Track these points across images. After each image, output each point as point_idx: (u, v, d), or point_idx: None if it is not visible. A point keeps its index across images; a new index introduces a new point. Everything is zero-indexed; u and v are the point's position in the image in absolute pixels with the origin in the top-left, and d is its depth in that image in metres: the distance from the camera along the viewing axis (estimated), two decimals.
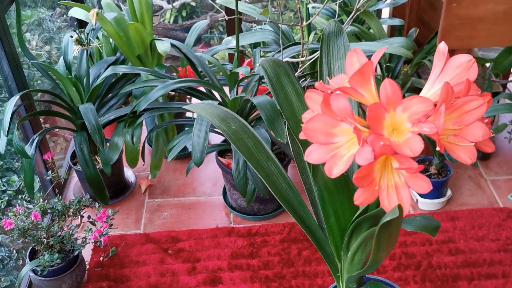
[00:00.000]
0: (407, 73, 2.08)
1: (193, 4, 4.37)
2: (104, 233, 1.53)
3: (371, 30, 2.19)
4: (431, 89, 0.63)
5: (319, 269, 1.68)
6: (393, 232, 0.68)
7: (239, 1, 1.64)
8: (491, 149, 0.65)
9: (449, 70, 0.62)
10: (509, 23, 1.77)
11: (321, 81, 0.68)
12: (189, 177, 2.08)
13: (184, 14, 4.48)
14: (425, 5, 2.28)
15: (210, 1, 1.74)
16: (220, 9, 1.76)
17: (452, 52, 1.97)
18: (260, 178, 1.64)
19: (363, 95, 0.62)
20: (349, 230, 0.78)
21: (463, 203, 1.92)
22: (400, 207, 0.61)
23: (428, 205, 1.89)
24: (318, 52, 1.64)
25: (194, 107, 0.83)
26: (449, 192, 1.91)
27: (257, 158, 0.78)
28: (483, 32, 1.77)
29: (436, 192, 1.87)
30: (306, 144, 0.78)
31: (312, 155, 0.63)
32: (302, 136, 0.64)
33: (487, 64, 2.16)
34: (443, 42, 0.61)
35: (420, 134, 0.57)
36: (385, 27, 2.29)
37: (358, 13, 1.59)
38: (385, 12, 2.43)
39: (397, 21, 2.10)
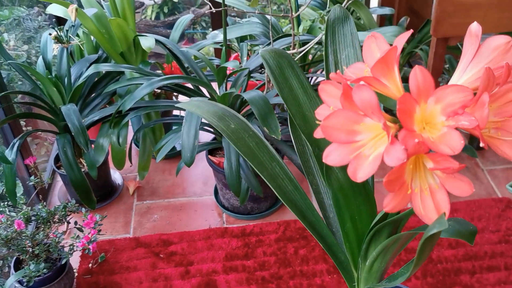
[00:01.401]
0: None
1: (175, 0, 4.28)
2: (92, 240, 1.46)
3: (360, 20, 2.14)
4: (462, 76, 0.57)
5: (317, 268, 1.62)
6: (434, 243, 0.62)
7: None
8: None
9: (484, 54, 0.55)
10: (503, 9, 1.73)
11: (338, 71, 0.62)
12: (179, 177, 2.01)
13: (166, 10, 4.38)
14: None
15: None
16: (203, 4, 1.69)
17: (445, 40, 1.91)
18: (254, 176, 1.58)
19: (387, 86, 0.56)
20: (368, 237, 0.71)
21: None
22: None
23: None
24: (309, 44, 1.58)
25: (188, 105, 0.77)
26: None
27: (260, 159, 0.71)
28: (477, 19, 1.72)
29: None
30: (316, 142, 0.72)
31: (331, 156, 0.56)
32: (318, 134, 0.58)
33: None
34: (475, 23, 0.55)
35: (457, 129, 0.51)
36: (374, 16, 2.23)
37: (350, 2, 1.53)
38: (374, 1, 2.38)
39: (387, 10, 2.05)
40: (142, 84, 1.57)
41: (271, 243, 1.71)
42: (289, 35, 1.66)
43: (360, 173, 0.54)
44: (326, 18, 1.50)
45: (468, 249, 1.66)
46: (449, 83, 0.58)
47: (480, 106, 0.50)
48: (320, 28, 1.59)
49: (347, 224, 0.73)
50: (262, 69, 1.91)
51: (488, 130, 0.55)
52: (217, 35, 1.79)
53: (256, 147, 0.72)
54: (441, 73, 1.88)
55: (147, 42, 1.65)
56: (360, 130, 0.54)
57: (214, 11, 1.40)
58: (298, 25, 1.77)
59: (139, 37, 1.70)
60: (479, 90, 0.51)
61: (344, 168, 0.57)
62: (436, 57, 1.80)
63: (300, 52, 1.57)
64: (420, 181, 0.57)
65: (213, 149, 1.79)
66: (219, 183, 1.78)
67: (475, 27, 0.55)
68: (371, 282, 0.77)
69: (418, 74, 0.51)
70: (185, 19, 1.93)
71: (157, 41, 1.68)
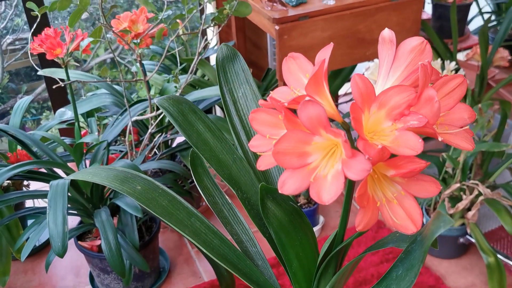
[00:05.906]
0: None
1: None
2: None
3: (206, 77, 2.17)
4: (386, 82, 0.57)
5: None
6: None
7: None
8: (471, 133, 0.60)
9: (402, 57, 0.56)
10: (334, 48, 1.87)
11: (270, 95, 0.59)
12: (45, 274, 1.79)
13: None
14: (250, 46, 2.33)
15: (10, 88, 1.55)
16: (30, 90, 1.58)
17: None
18: (136, 252, 1.46)
19: (320, 103, 0.54)
20: (318, 273, 0.68)
21: (336, 226, 1.94)
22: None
23: None
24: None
25: (83, 174, 0.67)
26: (321, 219, 1.92)
27: (177, 217, 0.64)
28: (315, 59, 1.85)
29: (311, 221, 1.86)
30: (238, 184, 0.67)
31: (287, 185, 0.52)
32: (263, 166, 0.54)
33: None
34: (387, 29, 0.56)
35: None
36: None
37: (200, 57, 1.53)
38: (214, 59, 2.43)
39: None
40: None
41: None
42: (143, 100, 1.61)
43: (325, 196, 0.51)
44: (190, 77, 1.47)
45: (357, 275, 1.70)
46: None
47: (429, 101, 0.51)
48: (176, 87, 1.56)
49: (293, 263, 0.69)
50: (119, 140, 1.83)
51: (436, 127, 0.56)
52: (65, 113, 1.67)
53: (170, 205, 0.65)
54: None
55: None
56: (310, 151, 0.52)
57: (63, 85, 1.31)
58: (149, 89, 1.72)
59: None
60: (419, 87, 0.52)
61: (279, 203, 0.54)
62: None
63: (159, 114, 1.53)
64: (383, 191, 0.56)
65: (81, 234, 1.64)
66: (95, 269, 1.62)
67: (388, 33, 0.57)
68: None
69: (359, 82, 0.50)
70: (23, 102, 1.77)
71: None
